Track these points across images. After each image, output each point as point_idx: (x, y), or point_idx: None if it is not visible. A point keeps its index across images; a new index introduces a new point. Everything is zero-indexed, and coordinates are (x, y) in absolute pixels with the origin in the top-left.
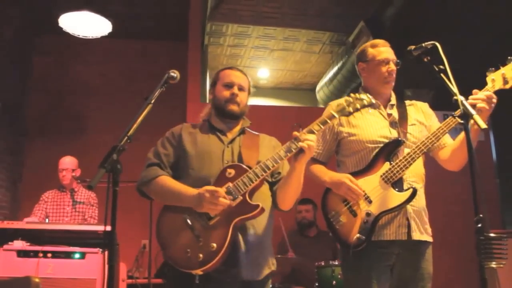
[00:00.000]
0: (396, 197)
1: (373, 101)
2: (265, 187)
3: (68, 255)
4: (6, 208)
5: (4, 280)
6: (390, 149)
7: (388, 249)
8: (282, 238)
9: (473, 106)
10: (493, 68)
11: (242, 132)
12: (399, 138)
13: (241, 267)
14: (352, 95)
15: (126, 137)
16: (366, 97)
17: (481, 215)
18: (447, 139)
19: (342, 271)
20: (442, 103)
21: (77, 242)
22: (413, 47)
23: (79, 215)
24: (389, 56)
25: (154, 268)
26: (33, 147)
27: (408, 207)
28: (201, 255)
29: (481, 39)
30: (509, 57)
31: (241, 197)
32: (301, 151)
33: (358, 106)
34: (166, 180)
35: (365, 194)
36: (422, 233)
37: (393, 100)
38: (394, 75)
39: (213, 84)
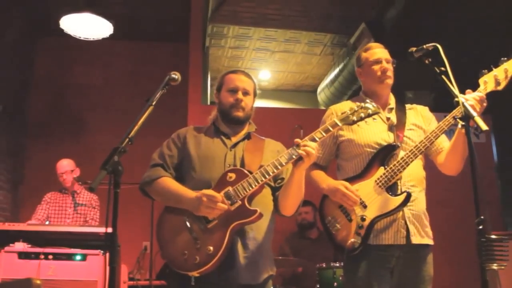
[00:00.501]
0: (391, 202)
1: (379, 110)
2: (267, 192)
3: (69, 257)
4: (7, 210)
5: (5, 282)
6: (385, 154)
7: (388, 251)
8: (285, 243)
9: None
10: (485, 70)
11: (248, 136)
12: (393, 143)
13: (239, 271)
14: (357, 104)
15: (127, 139)
16: (371, 106)
17: (482, 217)
18: (444, 143)
19: (343, 273)
20: (443, 105)
21: (79, 244)
22: (414, 49)
23: (81, 217)
24: (381, 56)
25: (155, 270)
26: (34, 149)
27: (407, 211)
28: (197, 258)
29: (482, 41)
30: (502, 58)
31: (239, 202)
32: (300, 158)
33: (362, 115)
34: (168, 181)
35: (360, 199)
36: (422, 236)
37: (392, 104)
38: (389, 74)
39: (218, 89)
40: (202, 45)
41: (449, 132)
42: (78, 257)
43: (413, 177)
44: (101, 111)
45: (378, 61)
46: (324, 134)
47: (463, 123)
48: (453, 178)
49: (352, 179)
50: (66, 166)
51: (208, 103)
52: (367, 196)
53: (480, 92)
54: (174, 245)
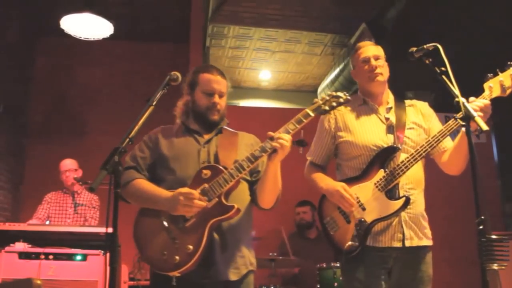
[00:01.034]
0: (389, 206)
1: (349, 97)
2: (243, 186)
3: (70, 257)
4: (8, 210)
5: (6, 282)
6: (384, 156)
7: (386, 252)
8: (283, 243)
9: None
10: (491, 74)
11: (219, 131)
12: (394, 145)
13: (218, 268)
14: (328, 93)
15: (127, 139)
16: (342, 95)
17: (482, 217)
18: (447, 143)
19: (341, 274)
20: (444, 105)
21: (79, 244)
22: (414, 49)
23: (81, 217)
24: (368, 54)
25: None
26: (34, 149)
27: (404, 214)
28: (177, 257)
29: (483, 41)
30: (508, 63)
31: (216, 199)
32: (275, 150)
33: (334, 104)
34: (142, 183)
35: (359, 201)
36: (420, 238)
37: (391, 103)
38: (379, 70)
39: (192, 86)
40: (203, 45)
41: (452, 134)
42: (79, 257)
43: (412, 179)
44: (102, 111)
45: (365, 60)
46: (297, 126)
47: (464, 124)
48: (454, 178)
49: (351, 181)
50: (70, 165)
51: None
52: (366, 198)
53: (485, 99)
54: (153, 247)
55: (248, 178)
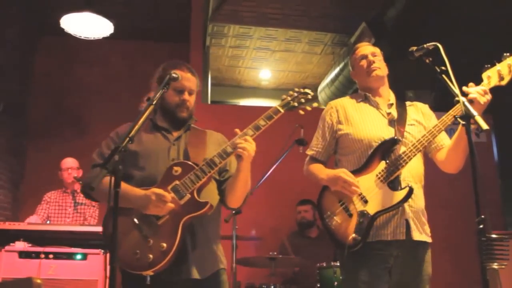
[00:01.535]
0: (393, 196)
1: (312, 93)
2: (212, 185)
3: (70, 256)
4: (8, 209)
5: (6, 281)
6: (386, 148)
7: (386, 250)
8: (283, 243)
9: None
10: (488, 65)
11: (188, 129)
12: (395, 137)
13: (190, 266)
14: (296, 89)
15: (128, 138)
16: (309, 91)
17: (483, 216)
18: (444, 140)
19: (340, 273)
20: (444, 104)
21: (79, 243)
22: (414, 48)
23: (81, 216)
24: (365, 51)
25: None
26: (34, 148)
27: (406, 207)
28: (150, 256)
29: (483, 40)
30: (504, 54)
31: (189, 195)
32: (239, 156)
33: (302, 100)
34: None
35: (361, 193)
36: (421, 233)
37: (392, 100)
38: (376, 65)
39: (161, 83)
40: (203, 44)
41: (449, 131)
42: (79, 256)
43: (413, 173)
44: (102, 110)
45: (363, 57)
46: (267, 122)
47: (464, 123)
48: (454, 177)
49: (352, 173)
50: (72, 163)
51: (209, 102)
52: (368, 190)
53: (483, 87)
54: (125, 246)
55: (217, 177)
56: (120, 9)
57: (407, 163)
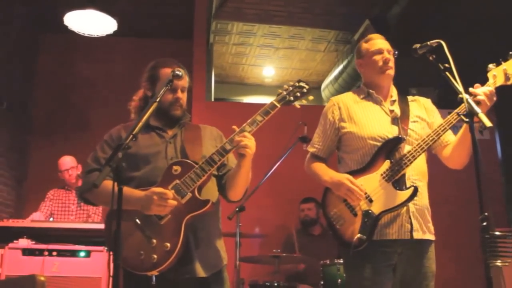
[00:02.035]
0: (397, 196)
1: (310, 86)
2: (211, 181)
3: (73, 253)
4: (11, 207)
5: (10, 279)
6: (390, 147)
7: (390, 248)
8: (290, 238)
9: (473, 96)
10: (494, 64)
11: (182, 126)
12: (399, 136)
13: (194, 264)
14: (291, 83)
15: (131, 136)
16: (304, 85)
17: (486, 214)
18: (449, 136)
19: (344, 270)
20: (447, 102)
21: (82, 240)
22: (418, 45)
23: (84, 213)
24: (382, 46)
25: None
26: (38, 146)
27: (411, 205)
28: (155, 256)
29: (486, 37)
30: (510, 53)
31: (190, 194)
32: (241, 154)
33: (298, 94)
34: (109, 184)
35: (366, 193)
36: (424, 232)
37: (395, 96)
38: (391, 64)
39: (152, 81)
40: (206, 41)
41: (453, 128)
42: (82, 254)
43: (417, 171)
44: (105, 107)
45: (379, 51)
46: (264, 117)
47: (467, 120)
48: (458, 175)
49: (356, 173)
50: (70, 162)
51: (212, 99)
52: (373, 190)
53: (490, 86)
54: (129, 247)
55: (215, 172)
56: (124, 6)
57: (412, 162)
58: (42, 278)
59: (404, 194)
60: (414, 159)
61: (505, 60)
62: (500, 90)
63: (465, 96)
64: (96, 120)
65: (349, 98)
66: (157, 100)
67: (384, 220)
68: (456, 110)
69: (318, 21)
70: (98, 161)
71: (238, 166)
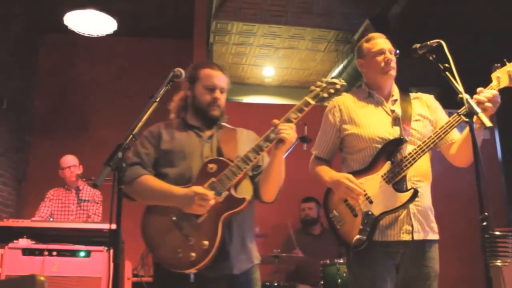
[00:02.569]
0: (397, 198)
1: (345, 83)
2: (246, 180)
3: (73, 253)
4: (11, 207)
5: (9, 279)
6: (391, 148)
7: (393, 248)
8: (289, 237)
9: (478, 104)
10: (498, 64)
11: (219, 127)
12: (400, 137)
13: (230, 262)
14: (323, 79)
15: (131, 135)
16: (338, 81)
17: (486, 213)
18: (454, 134)
19: (347, 270)
20: (448, 101)
21: (82, 240)
22: (418, 45)
23: (84, 213)
24: (384, 46)
25: None
26: (38, 145)
27: (412, 206)
28: (193, 254)
29: (487, 37)
30: None
31: (226, 192)
32: (280, 140)
33: (332, 91)
34: (150, 179)
35: (366, 194)
36: (427, 232)
37: (396, 95)
38: (393, 65)
39: (192, 81)
40: (206, 41)
41: (459, 126)
42: (82, 254)
43: (419, 171)
44: (105, 107)
45: (381, 52)
46: (298, 114)
47: (467, 120)
48: (459, 174)
49: (357, 173)
50: (72, 161)
51: None
52: (373, 191)
53: (493, 89)
54: (166, 246)
55: (249, 172)
56: (124, 6)
57: (412, 164)
58: (42, 278)
59: (404, 196)
60: (415, 161)
61: (510, 60)
62: (500, 89)
63: (465, 96)
64: (96, 120)
65: (350, 99)
66: (157, 100)
67: (385, 221)
68: (459, 111)
69: (318, 21)
70: (139, 155)
71: (272, 160)
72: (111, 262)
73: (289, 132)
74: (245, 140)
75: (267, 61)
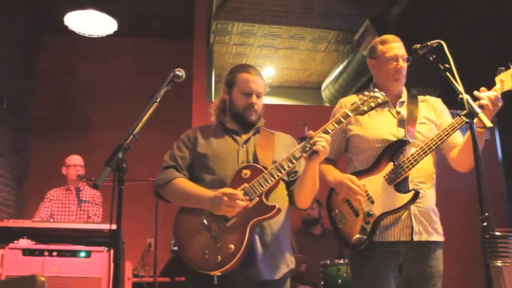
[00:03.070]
0: (398, 199)
1: (387, 99)
2: (281, 186)
3: (74, 253)
4: (12, 207)
5: (10, 279)
6: (394, 149)
7: (394, 248)
8: (291, 239)
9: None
10: (503, 67)
11: (257, 131)
12: (404, 138)
13: (259, 267)
14: (366, 93)
15: (131, 136)
16: (380, 95)
17: (486, 214)
18: (457, 138)
19: (350, 270)
20: (448, 102)
21: (83, 240)
22: (418, 45)
23: (84, 214)
24: (398, 53)
25: (160, 267)
26: (38, 146)
27: (413, 208)
28: (219, 257)
29: (487, 37)
30: None
31: (257, 198)
32: (315, 152)
33: (372, 104)
34: (183, 182)
35: (368, 194)
36: (430, 233)
37: (404, 97)
38: (404, 72)
39: (230, 85)
40: (207, 42)
41: (462, 129)
42: (83, 254)
43: (422, 173)
44: (105, 107)
45: (395, 58)
46: (336, 126)
47: (468, 120)
48: (460, 174)
49: (360, 174)
50: (78, 161)
51: (213, 99)
52: (375, 191)
53: (496, 91)
54: (194, 246)
55: (286, 178)
56: (124, 6)
57: (414, 165)
58: (42, 279)
59: (405, 197)
60: (417, 163)
61: None
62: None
63: (465, 96)
64: (97, 120)
65: (356, 99)
66: (157, 100)
67: (386, 222)
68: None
69: (318, 21)
70: (175, 158)
71: (306, 169)
72: (112, 262)
73: (324, 144)
74: (282, 144)
75: (267, 61)
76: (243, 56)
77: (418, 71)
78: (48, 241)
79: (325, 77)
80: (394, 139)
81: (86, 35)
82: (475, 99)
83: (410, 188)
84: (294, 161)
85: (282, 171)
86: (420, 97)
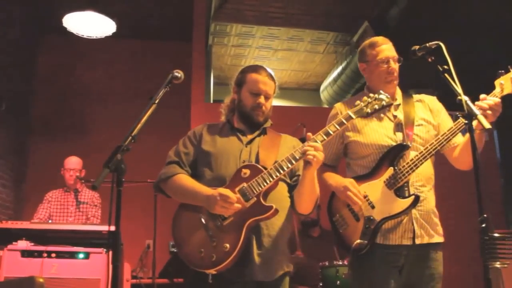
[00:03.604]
0: (398, 204)
1: (392, 101)
2: (283, 188)
3: (72, 255)
4: (10, 208)
5: (8, 280)
6: (394, 154)
7: (395, 250)
8: (293, 236)
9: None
10: (502, 71)
11: (263, 132)
12: (403, 143)
13: (254, 268)
14: (371, 95)
15: (130, 137)
16: (385, 97)
17: (485, 215)
18: (457, 138)
19: (350, 271)
20: (447, 104)
21: (81, 242)
22: (417, 47)
23: (83, 215)
24: (389, 54)
25: (158, 268)
26: (37, 147)
27: (414, 211)
28: (214, 255)
29: (486, 39)
30: None
31: (255, 198)
32: (308, 162)
33: (376, 107)
34: (183, 178)
35: (368, 199)
36: (431, 236)
37: (399, 99)
38: (396, 74)
39: (239, 84)
40: (205, 43)
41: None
42: (81, 255)
43: (421, 176)
44: (104, 109)
45: (386, 61)
46: (338, 128)
47: (466, 122)
48: (459, 175)
49: (361, 178)
50: (76, 164)
51: (211, 101)
52: (375, 196)
53: (496, 97)
54: (190, 243)
55: (288, 180)
56: (123, 8)
57: (414, 170)
58: (41, 280)
59: (405, 202)
60: (416, 168)
61: None
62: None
63: (464, 98)
64: (95, 121)
65: (352, 105)
66: (156, 102)
67: (387, 225)
68: (458, 113)
69: (317, 23)
70: (179, 154)
71: (303, 176)
72: (110, 264)
73: (313, 153)
74: (288, 147)
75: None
76: (242, 58)
77: (417, 73)
78: (46, 242)
79: (324, 78)
80: (393, 143)
81: (85, 36)
82: (474, 100)
83: (411, 192)
84: (294, 162)
85: (281, 171)
86: (415, 96)
